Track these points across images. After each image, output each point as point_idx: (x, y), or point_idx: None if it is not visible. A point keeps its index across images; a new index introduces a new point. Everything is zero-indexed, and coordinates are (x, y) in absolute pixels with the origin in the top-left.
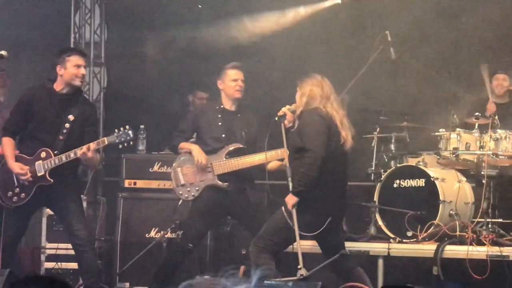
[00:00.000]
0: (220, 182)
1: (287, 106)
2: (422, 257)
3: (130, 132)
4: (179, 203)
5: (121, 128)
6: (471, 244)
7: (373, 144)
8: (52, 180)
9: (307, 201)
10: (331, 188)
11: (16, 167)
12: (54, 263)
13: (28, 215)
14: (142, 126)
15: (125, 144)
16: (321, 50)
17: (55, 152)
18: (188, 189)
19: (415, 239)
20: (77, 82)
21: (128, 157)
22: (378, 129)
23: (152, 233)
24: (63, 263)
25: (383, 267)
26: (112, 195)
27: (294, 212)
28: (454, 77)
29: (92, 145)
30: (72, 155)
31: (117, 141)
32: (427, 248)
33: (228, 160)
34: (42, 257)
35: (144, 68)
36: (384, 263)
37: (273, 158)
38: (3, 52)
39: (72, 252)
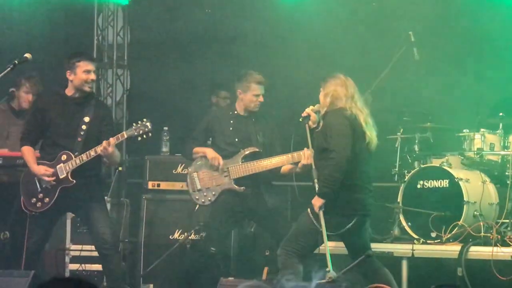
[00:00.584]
0: (236, 186)
1: (311, 107)
2: (447, 258)
3: (148, 123)
4: (196, 208)
5: (139, 121)
6: (495, 245)
7: (396, 145)
8: (74, 181)
9: (333, 201)
10: (357, 188)
11: (41, 169)
12: (79, 264)
13: (53, 221)
14: (165, 128)
15: (144, 136)
16: (344, 51)
17: (75, 154)
18: (205, 193)
19: (439, 240)
20: (86, 88)
21: (151, 158)
22: (401, 130)
23: (176, 235)
24: (87, 265)
25: (407, 268)
26: (136, 197)
27: (321, 214)
28: (478, 77)
29: (112, 140)
30: (92, 153)
31: (135, 133)
32: (452, 249)
33: (244, 164)
34: (67, 259)
35: (167, 70)
36: (408, 264)
37: (289, 161)
38: (28, 55)
39: (96, 253)
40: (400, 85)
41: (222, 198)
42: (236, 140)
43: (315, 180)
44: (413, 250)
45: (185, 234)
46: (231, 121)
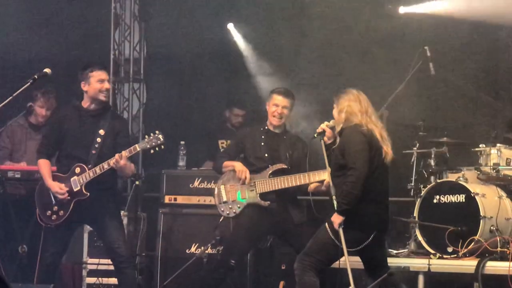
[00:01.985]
0: (261, 201)
1: (326, 123)
2: (463, 273)
3: (160, 136)
4: (221, 219)
5: (151, 134)
6: None
7: (412, 160)
8: (88, 194)
9: (351, 216)
10: (375, 203)
11: (55, 186)
12: (95, 278)
13: (69, 233)
14: (182, 142)
15: (157, 149)
16: (360, 65)
17: (89, 166)
18: (230, 206)
19: (455, 255)
20: (101, 97)
21: (168, 173)
22: (417, 145)
23: (193, 249)
24: (104, 278)
25: (424, 283)
26: (152, 211)
27: (341, 231)
28: (494, 92)
29: (124, 153)
30: (105, 166)
31: (148, 146)
32: (468, 264)
33: (271, 179)
34: (84, 273)
35: (183, 84)
36: (425, 279)
37: (315, 179)
38: (47, 70)
39: (113, 267)
40: (416, 100)
41: (247, 212)
42: (266, 155)
43: (333, 197)
44: (429, 264)
45: (202, 248)
46: (262, 137)
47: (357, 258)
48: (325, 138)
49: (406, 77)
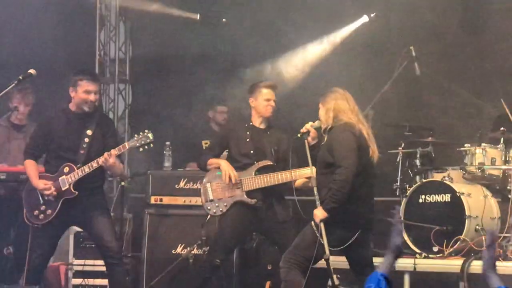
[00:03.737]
0: (248, 199)
1: (310, 123)
2: (449, 273)
3: (149, 135)
4: (207, 218)
5: (140, 132)
6: (497, 260)
7: (398, 160)
8: (76, 192)
9: (337, 215)
10: (360, 202)
11: (40, 183)
12: (82, 279)
13: (56, 234)
14: (167, 143)
15: (146, 147)
16: (345, 66)
17: (78, 166)
18: (217, 204)
19: (441, 255)
20: (86, 108)
21: (154, 173)
22: (403, 145)
23: (179, 250)
24: (90, 280)
25: (409, 283)
26: (138, 211)
27: (322, 226)
28: (479, 91)
29: (114, 151)
30: (94, 164)
31: (137, 144)
32: (454, 264)
33: (257, 177)
34: (70, 274)
35: (169, 85)
36: (410, 278)
37: (302, 176)
38: (32, 71)
39: (99, 268)
40: (401, 100)
41: (233, 210)
42: (252, 152)
43: (315, 188)
44: (415, 264)
45: (188, 248)
46: (248, 133)
47: (343, 258)
48: (309, 139)
49: (391, 77)
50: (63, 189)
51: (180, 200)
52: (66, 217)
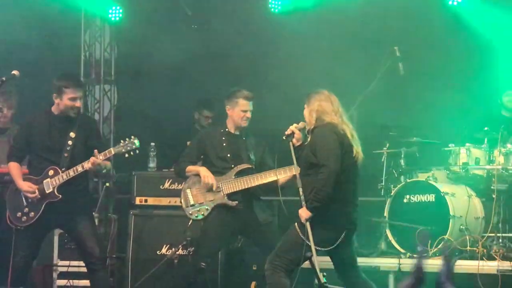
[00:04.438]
0: (229, 201)
1: (294, 125)
2: (433, 272)
3: (136, 141)
4: (189, 223)
5: (127, 138)
6: (481, 259)
7: (382, 160)
8: (60, 196)
9: (322, 216)
10: (344, 202)
11: (25, 185)
12: (66, 280)
13: (40, 236)
14: (152, 144)
15: (131, 153)
16: (329, 66)
17: (62, 169)
18: (198, 209)
19: (425, 254)
20: (71, 114)
21: (139, 174)
22: (387, 145)
23: (164, 250)
24: (75, 281)
25: (394, 283)
26: (123, 212)
27: (308, 225)
28: (464, 92)
29: (99, 157)
30: (80, 168)
31: (123, 150)
32: (438, 263)
33: (237, 179)
34: (54, 275)
35: (154, 86)
36: (395, 278)
37: (283, 175)
38: (15, 72)
39: (84, 269)
40: (386, 100)
41: (214, 213)
42: (229, 155)
43: (300, 189)
44: (399, 264)
45: (173, 249)
46: (223, 138)
47: (327, 258)
48: (294, 140)
49: (375, 78)
50: (47, 192)
51: (165, 201)
52: (49, 220)
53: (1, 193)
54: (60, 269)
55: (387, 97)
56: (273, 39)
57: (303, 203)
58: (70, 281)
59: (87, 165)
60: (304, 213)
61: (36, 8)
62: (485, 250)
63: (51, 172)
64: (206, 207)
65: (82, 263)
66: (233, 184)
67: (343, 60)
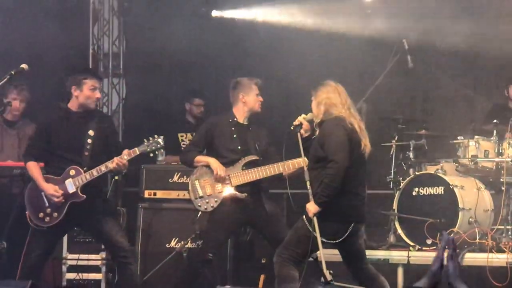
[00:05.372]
0: (238, 193)
1: (303, 115)
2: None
3: (160, 140)
4: (199, 214)
5: (150, 138)
6: (490, 251)
7: (391, 153)
8: (84, 196)
9: (330, 209)
10: (352, 195)
11: (50, 188)
12: (75, 274)
13: (59, 235)
14: (161, 137)
15: (156, 153)
16: (338, 58)
17: (84, 168)
18: (207, 200)
19: (434, 247)
20: (91, 105)
21: (148, 167)
22: (396, 138)
23: (173, 243)
24: (84, 274)
25: (403, 275)
26: (132, 205)
27: (315, 220)
28: (472, 84)
29: (124, 157)
30: (103, 168)
31: (148, 149)
32: (447, 256)
33: (245, 171)
34: (64, 268)
35: (162, 79)
36: (404, 271)
37: (294, 166)
38: (24, 66)
39: (93, 262)
40: (395, 93)
41: (222, 205)
42: (239, 147)
43: (308, 182)
44: (408, 257)
45: (182, 242)
46: (233, 129)
47: (335, 251)
48: (302, 131)
49: (384, 70)
50: (70, 192)
51: (173, 194)
52: (70, 219)
53: (10, 187)
54: (70, 262)
55: (396, 90)
56: (279, 29)
57: (311, 197)
58: (79, 274)
59: (111, 165)
60: (312, 207)
61: (44, 1)
62: (494, 243)
63: (72, 172)
64: (215, 199)
65: (91, 257)
66: (241, 176)
67: (352, 53)
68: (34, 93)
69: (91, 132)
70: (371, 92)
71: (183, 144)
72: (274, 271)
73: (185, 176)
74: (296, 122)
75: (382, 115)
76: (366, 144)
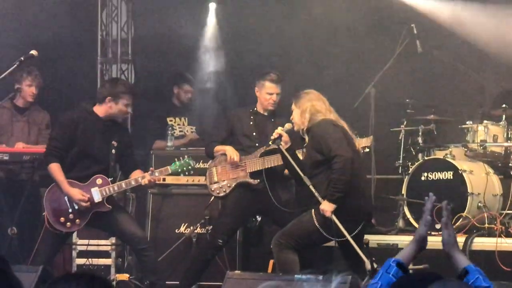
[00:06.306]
0: (251, 179)
1: (280, 128)
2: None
3: (191, 161)
4: (211, 200)
5: (181, 157)
6: (499, 236)
7: (400, 137)
8: (110, 207)
9: (340, 209)
10: (359, 193)
11: (77, 193)
12: (85, 259)
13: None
14: (170, 122)
15: (186, 173)
16: (346, 44)
17: (111, 179)
18: (220, 185)
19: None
20: (119, 120)
21: (157, 153)
22: (405, 122)
23: (182, 229)
24: (94, 259)
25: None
26: (141, 191)
27: (334, 218)
28: (481, 69)
29: (156, 174)
30: (133, 182)
31: (179, 170)
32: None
33: (261, 159)
34: (74, 253)
35: (171, 64)
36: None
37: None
38: (34, 52)
39: (103, 248)
40: (403, 77)
41: (236, 191)
42: (254, 134)
43: (311, 186)
44: None
45: (191, 227)
46: (251, 117)
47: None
48: (282, 143)
49: (393, 55)
50: (96, 201)
51: (183, 179)
52: (89, 224)
53: (19, 173)
54: (79, 248)
55: (405, 75)
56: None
57: (320, 199)
58: (89, 259)
59: (143, 180)
60: (327, 206)
61: None
62: (503, 228)
63: (99, 181)
64: (228, 185)
65: (101, 242)
66: (256, 163)
67: (360, 38)
68: (43, 80)
69: (114, 143)
70: (380, 76)
71: (171, 129)
72: (274, 256)
73: (194, 161)
74: (274, 135)
75: (390, 100)
76: (359, 144)
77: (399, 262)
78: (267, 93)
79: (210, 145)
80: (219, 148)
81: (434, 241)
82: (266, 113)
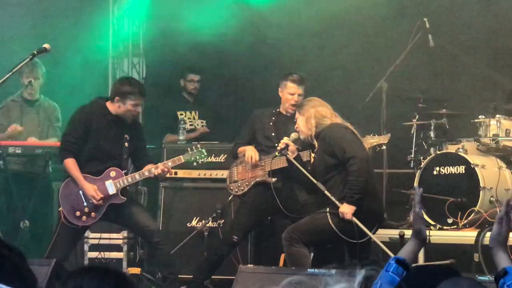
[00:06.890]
0: (268, 178)
1: (286, 138)
2: (463, 244)
3: (203, 150)
4: (230, 197)
5: (194, 147)
6: (507, 235)
7: (412, 132)
8: (125, 198)
9: (356, 210)
10: (372, 196)
11: (91, 189)
12: (97, 252)
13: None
14: (181, 116)
15: (199, 162)
16: (358, 38)
17: (124, 171)
18: (239, 184)
19: (455, 226)
20: (129, 120)
21: (168, 147)
22: (417, 116)
23: (194, 223)
24: (105, 253)
25: (424, 254)
26: (153, 185)
27: (355, 219)
28: (493, 63)
29: (169, 163)
30: (146, 173)
31: (192, 159)
32: (468, 235)
33: (280, 158)
34: (86, 247)
35: (182, 58)
36: (425, 250)
37: None
38: (46, 45)
39: (114, 241)
40: (415, 71)
41: (254, 190)
42: (273, 134)
43: (326, 192)
44: (429, 236)
45: (203, 221)
46: (273, 118)
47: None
48: (289, 153)
49: (405, 49)
50: (111, 193)
51: (194, 173)
52: (105, 217)
53: (32, 166)
54: (91, 241)
55: (417, 69)
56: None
57: (337, 202)
58: (101, 253)
59: (155, 171)
60: (347, 209)
61: None
62: None
63: (113, 173)
64: (247, 183)
65: (113, 235)
66: (275, 162)
67: (372, 31)
68: (53, 73)
69: (126, 136)
70: (391, 71)
71: (182, 123)
72: (284, 251)
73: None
74: (281, 146)
75: (402, 94)
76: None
77: (398, 259)
78: (289, 93)
79: (235, 146)
80: (241, 149)
81: (445, 236)
82: (288, 114)
